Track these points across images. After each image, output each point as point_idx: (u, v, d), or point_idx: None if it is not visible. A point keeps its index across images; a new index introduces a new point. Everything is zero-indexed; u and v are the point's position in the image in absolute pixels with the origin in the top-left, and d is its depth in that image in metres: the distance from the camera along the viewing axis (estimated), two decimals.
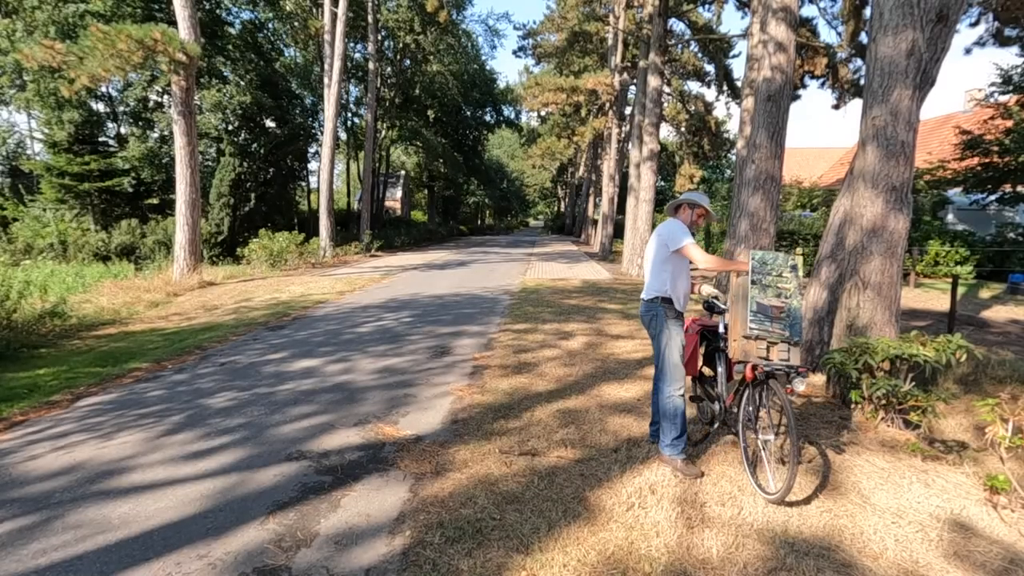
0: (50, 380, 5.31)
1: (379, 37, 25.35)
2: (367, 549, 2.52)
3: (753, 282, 2.90)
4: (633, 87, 20.32)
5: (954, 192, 16.35)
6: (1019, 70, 13.84)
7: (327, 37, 20.25)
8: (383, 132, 31.18)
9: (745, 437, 3.18)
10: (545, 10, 42.18)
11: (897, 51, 4.25)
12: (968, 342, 3.72)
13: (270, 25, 26.38)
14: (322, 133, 22.23)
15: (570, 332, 7.04)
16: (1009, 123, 13.44)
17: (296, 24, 24.14)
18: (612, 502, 2.91)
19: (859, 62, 12.67)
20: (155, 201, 23.08)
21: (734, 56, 18.25)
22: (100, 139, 22.92)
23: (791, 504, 2.88)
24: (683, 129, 20.55)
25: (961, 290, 11.32)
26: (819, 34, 14.00)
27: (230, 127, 22.80)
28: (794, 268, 2.92)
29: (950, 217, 17.02)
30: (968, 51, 9.99)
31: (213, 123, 22.50)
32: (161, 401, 4.58)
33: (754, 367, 2.92)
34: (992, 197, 14.61)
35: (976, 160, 14.24)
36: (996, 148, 13.57)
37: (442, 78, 30.50)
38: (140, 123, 23.93)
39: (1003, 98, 14.38)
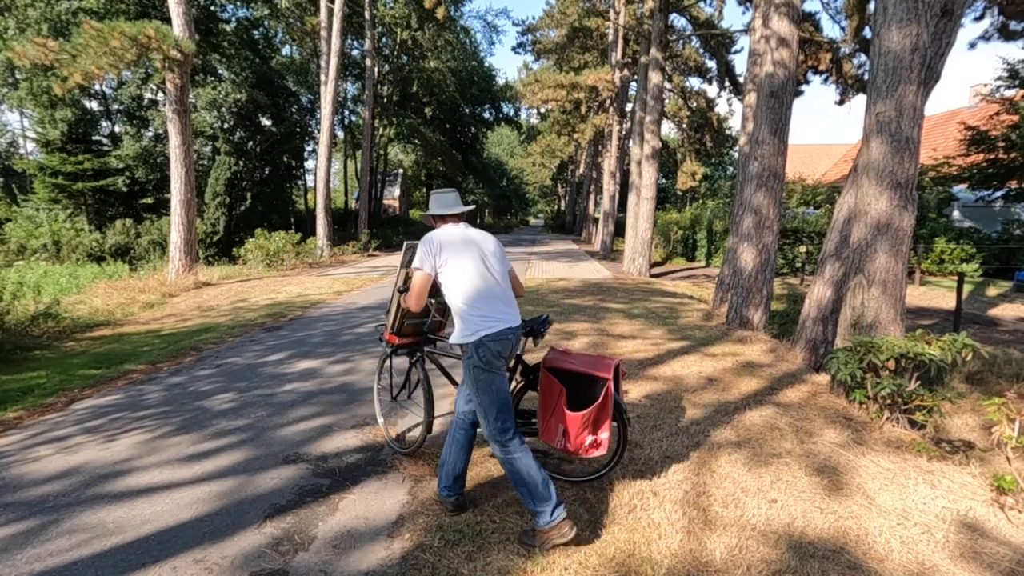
0: (44, 382, 5.25)
1: (376, 33, 25.23)
2: (366, 553, 2.48)
3: None
4: (634, 83, 20.27)
5: (959, 189, 16.26)
6: None
7: (323, 34, 20.14)
8: (381, 130, 31.08)
9: None
10: (544, 6, 41.87)
11: (902, 46, 4.20)
12: (975, 340, 3.67)
13: (266, 22, 26.23)
14: (319, 131, 22.11)
15: (572, 332, 6.99)
16: (1015, 118, 13.34)
17: (292, 21, 24.02)
18: (614, 504, 2.87)
19: (863, 57, 12.59)
20: (150, 201, 22.98)
21: (736, 52, 18.10)
22: (94, 138, 22.81)
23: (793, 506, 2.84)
24: (685, 126, 20.51)
25: (967, 288, 11.28)
26: (822, 29, 13.89)
27: (226, 125, 22.70)
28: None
29: (955, 214, 16.95)
30: (973, 45, 9.89)
31: (208, 121, 22.39)
32: (157, 404, 4.53)
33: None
34: (998, 194, 14.51)
35: (981, 156, 14.14)
36: (1002, 144, 13.48)
37: (440, 75, 30.36)
38: (134, 122, 23.79)
39: (1009, 93, 14.28)
